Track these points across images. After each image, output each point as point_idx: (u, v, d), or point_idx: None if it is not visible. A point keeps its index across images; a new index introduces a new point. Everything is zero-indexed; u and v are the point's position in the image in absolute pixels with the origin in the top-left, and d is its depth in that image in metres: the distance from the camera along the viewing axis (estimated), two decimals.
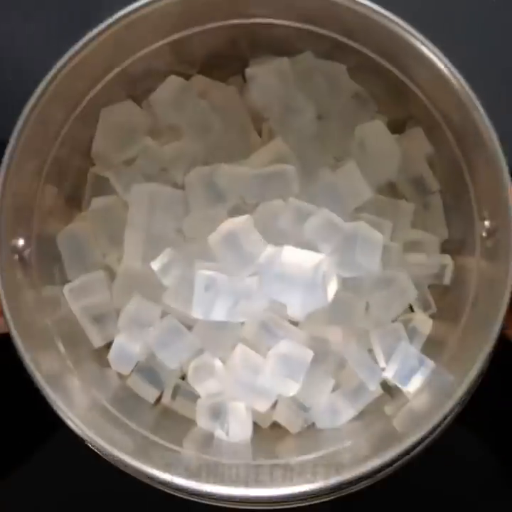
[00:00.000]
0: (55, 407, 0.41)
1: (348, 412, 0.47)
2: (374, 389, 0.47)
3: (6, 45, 0.61)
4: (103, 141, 0.49)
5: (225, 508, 0.46)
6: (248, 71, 0.50)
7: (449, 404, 0.41)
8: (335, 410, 0.47)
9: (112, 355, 0.48)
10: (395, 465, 0.45)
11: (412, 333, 0.48)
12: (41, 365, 0.41)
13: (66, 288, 0.48)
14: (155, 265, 0.46)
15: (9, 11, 0.62)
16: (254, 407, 0.47)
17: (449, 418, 0.45)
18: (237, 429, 0.46)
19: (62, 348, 0.45)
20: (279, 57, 0.49)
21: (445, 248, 0.50)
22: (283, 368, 0.45)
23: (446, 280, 0.49)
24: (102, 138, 0.49)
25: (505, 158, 0.41)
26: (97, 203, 0.50)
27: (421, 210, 0.51)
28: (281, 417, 0.48)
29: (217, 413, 0.47)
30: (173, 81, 0.50)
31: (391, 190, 0.51)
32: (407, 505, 0.60)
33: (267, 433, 0.49)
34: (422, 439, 0.41)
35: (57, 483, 0.59)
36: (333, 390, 0.48)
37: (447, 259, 0.49)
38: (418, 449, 0.45)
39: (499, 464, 0.61)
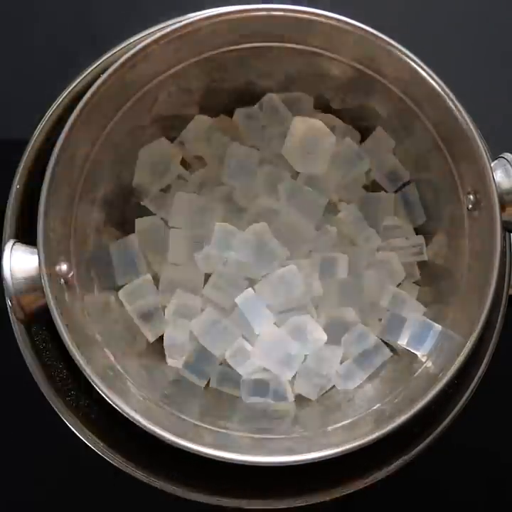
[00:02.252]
0: (115, 406, 0.45)
1: (359, 375, 0.53)
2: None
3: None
4: (142, 175, 0.55)
5: (226, 507, 0.50)
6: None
7: (459, 360, 0.45)
8: (348, 375, 0.53)
9: (165, 345, 0.54)
10: (397, 464, 0.49)
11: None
12: (98, 372, 0.45)
13: (121, 292, 0.54)
14: (198, 256, 0.54)
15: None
16: (281, 376, 0.53)
17: (448, 419, 0.50)
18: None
19: (111, 356, 0.49)
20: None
21: (437, 223, 0.54)
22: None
23: (425, 256, 0.55)
24: (141, 172, 0.55)
25: (480, 136, 0.46)
26: (141, 223, 0.56)
27: (400, 200, 0.57)
28: (301, 388, 0.54)
29: (258, 387, 0.53)
30: (201, 120, 0.56)
31: (373, 185, 0.57)
32: (408, 504, 0.62)
33: (307, 411, 0.53)
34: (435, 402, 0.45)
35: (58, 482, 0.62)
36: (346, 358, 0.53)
37: (421, 239, 0.55)
38: (420, 447, 0.49)
39: (500, 465, 0.63)
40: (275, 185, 0.56)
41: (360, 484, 0.50)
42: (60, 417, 0.51)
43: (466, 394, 0.50)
